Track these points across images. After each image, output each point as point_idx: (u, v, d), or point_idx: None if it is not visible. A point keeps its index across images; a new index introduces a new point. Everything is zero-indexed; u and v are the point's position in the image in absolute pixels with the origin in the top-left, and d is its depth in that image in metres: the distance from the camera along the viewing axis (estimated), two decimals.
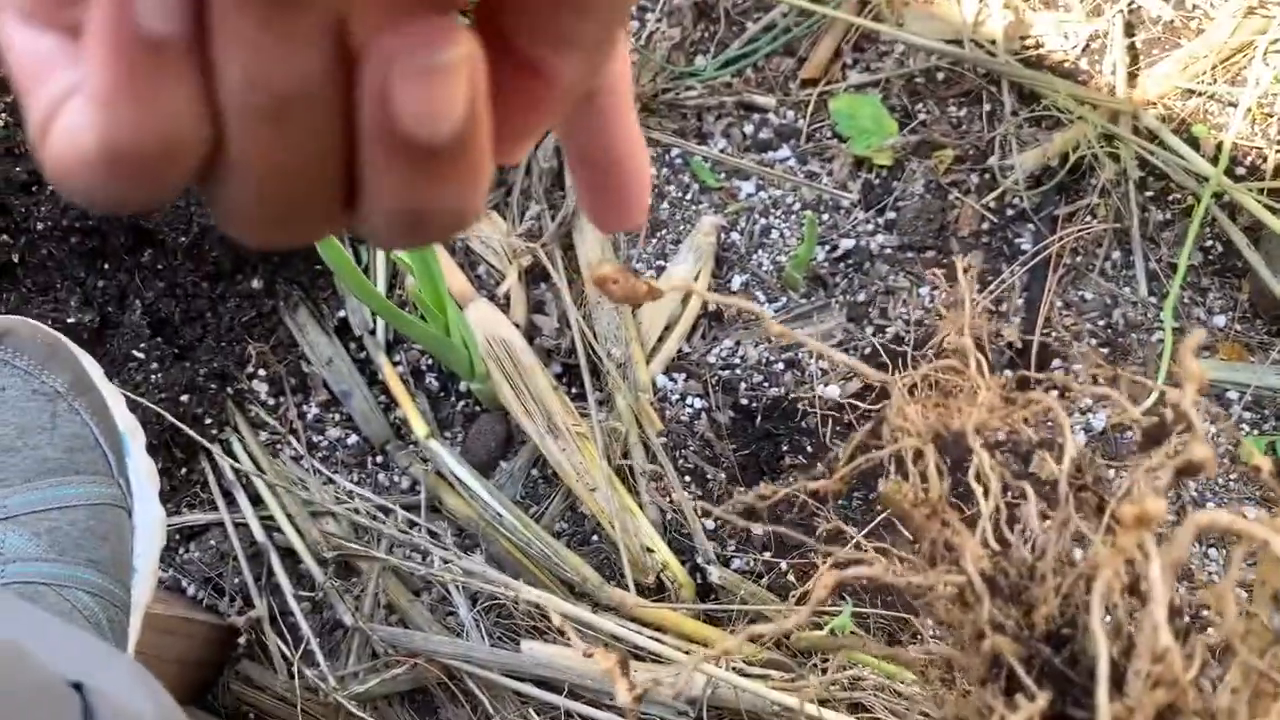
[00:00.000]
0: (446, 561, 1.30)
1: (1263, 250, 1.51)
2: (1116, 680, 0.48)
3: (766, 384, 1.45)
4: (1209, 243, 1.54)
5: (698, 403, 1.44)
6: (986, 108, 1.58)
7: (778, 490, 0.64)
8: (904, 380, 0.61)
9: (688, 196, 1.55)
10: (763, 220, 1.54)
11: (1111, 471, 0.61)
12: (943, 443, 0.57)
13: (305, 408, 1.46)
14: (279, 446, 1.45)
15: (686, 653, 1.29)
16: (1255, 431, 1.47)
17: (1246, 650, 0.45)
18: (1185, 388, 0.49)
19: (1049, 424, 0.64)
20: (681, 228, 1.53)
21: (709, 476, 1.40)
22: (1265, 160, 1.57)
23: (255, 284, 1.45)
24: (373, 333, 1.45)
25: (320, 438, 1.45)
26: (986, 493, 0.55)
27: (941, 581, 0.52)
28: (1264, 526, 0.45)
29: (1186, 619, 0.52)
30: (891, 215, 1.53)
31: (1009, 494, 0.62)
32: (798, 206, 1.54)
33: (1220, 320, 1.51)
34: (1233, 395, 1.48)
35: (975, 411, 0.57)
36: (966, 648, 0.52)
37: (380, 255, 1.45)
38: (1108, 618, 0.49)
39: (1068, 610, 0.51)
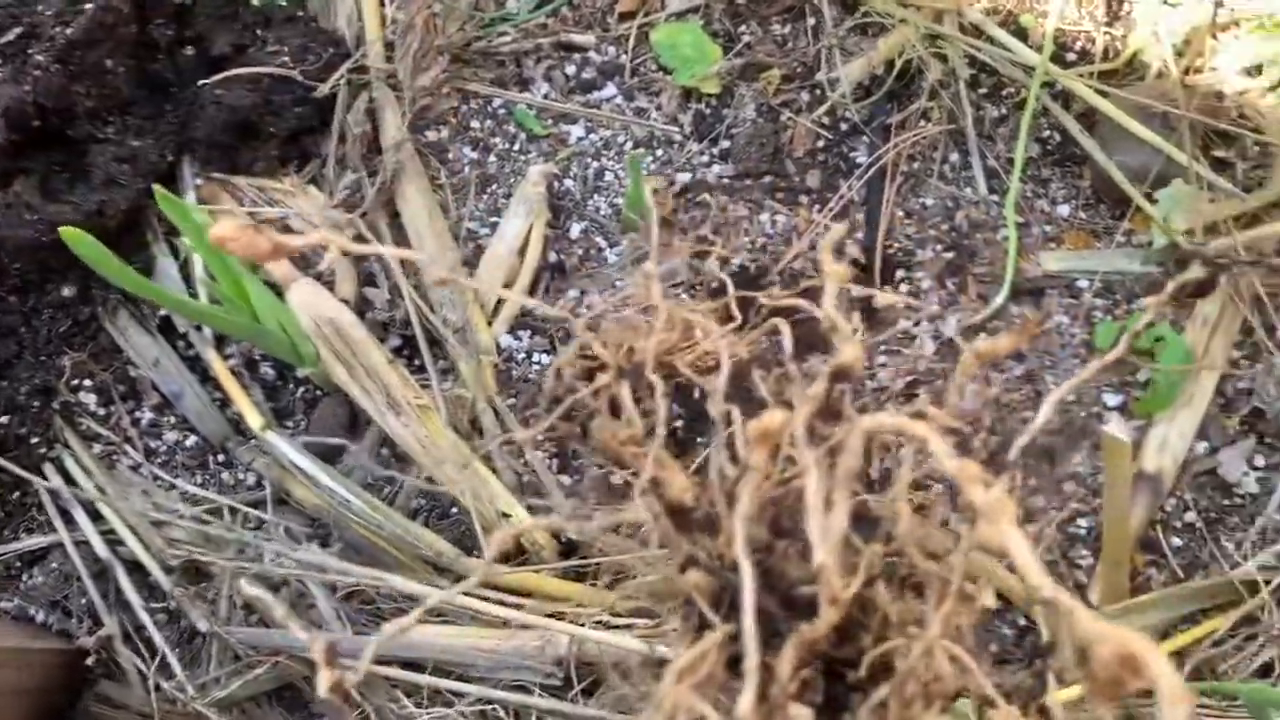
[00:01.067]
0: (280, 556, 1.25)
1: (1098, 136, 1.49)
2: (810, 604, 0.45)
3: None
4: (1045, 133, 1.52)
5: (546, 359, 1.40)
6: (810, 22, 1.54)
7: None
8: (586, 319, 0.58)
9: (515, 147, 1.50)
10: (595, 164, 1.49)
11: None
12: (628, 374, 0.54)
13: (138, 414, 1.40)
14: (115, 457, 1.38)
15: (554, 614, 1.26)
16: (1109, 317, 1.46)
17: (919, 555, 0.43)
18: (825, 288, 0.46)
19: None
20: (512, 180, 1.48)
21: (561, 433, 1.36)
22: (1094, 44, 1.55)
23: (68, 292, 1.38)
24: (199, 328, 1.39)
25: (157, 443, 1.39)
26: (668, 420, 0.52)
27: (622, 520, 0.49)
28: (923, 425, 0.42)
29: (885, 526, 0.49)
30: (725, 144, 1.49)
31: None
32: (630, 145, 1.50)
33: (1064, 210, 1.50)
34: (1083, 284, 1.47)
35: (651, 341, 0.53)
36: (669, 584, 0.49)
37: (195, 248, 1.38)
38: (790, 541, 0.46)
39: (762, 535, 0.47)
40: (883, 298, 1.28)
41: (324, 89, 1.43)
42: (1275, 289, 1.46)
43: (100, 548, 1.32)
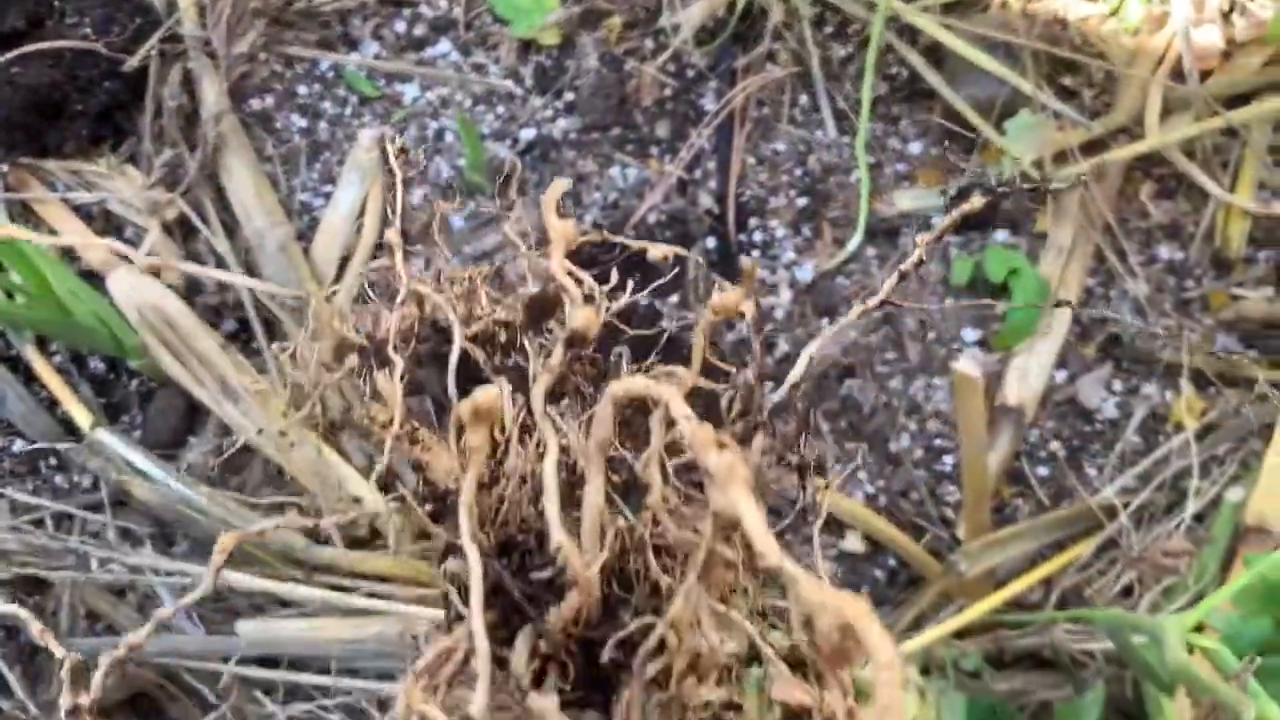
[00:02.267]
0: (111, 563, 1.18)
1: (946, 71, 1.47)
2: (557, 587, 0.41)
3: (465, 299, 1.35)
4: (893, 70, 1.50)
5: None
6: None
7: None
8: (323, 294, 0.53)
9: (347, 111, 1.42)
10: (434, 124, 1.43)
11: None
12: (368, 352, 0.50)
13: None
14: None
15: (417, 600, 1.22)
16: (964, 253, 1.45)
17: (673, 522, 0.39)
18: (553, 250, 0.42)
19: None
20: (346, 147, 1.41)
21: (413, 409, 1.31)
22: None
23: None
24: (16, 326, 1.30)
25: None
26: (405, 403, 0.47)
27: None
28: (666, 388, 0.38)
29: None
30: (569, 97, 1.44)
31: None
32: (469, 104, 1.44)
33: (916, 147, 1.48)
34: (938, 220, 1.46)
35: (395, 315, 0.49)
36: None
37: None
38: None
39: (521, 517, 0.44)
40: (744, 262, 1.26)
41: (134, 61, 1.34)
42: (1125, 216, 1.47)
43: None
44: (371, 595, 1.19)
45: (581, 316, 0.41)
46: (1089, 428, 1.41)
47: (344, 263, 1.35)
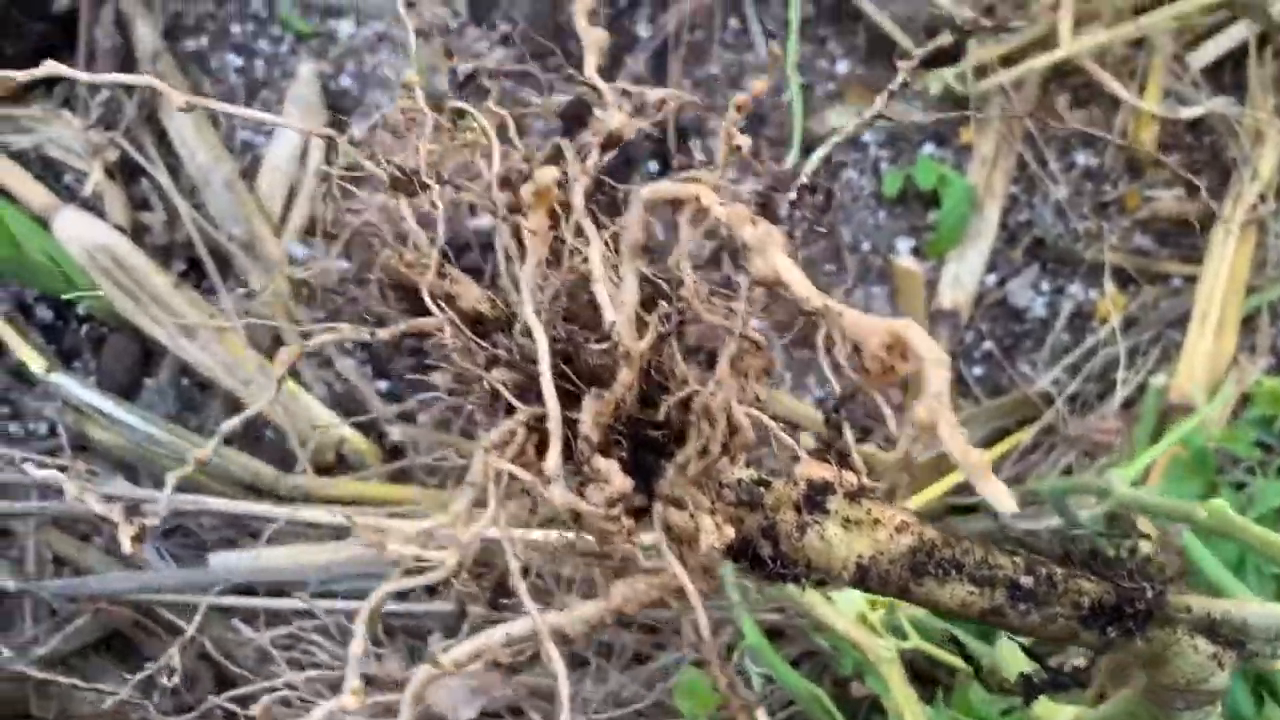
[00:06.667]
0: (83, 494, 1.18)
1: None
2: (612, 375, 0.44)
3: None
4: None
5: (344, 264, 1.35)
6: None
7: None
8: (350, 135, 0.55)
9: (283, 49, 1.42)
10: (372, 58, 1.43)
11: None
12: (404, 185, 0.52)
13: None
14: None
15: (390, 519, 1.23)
16: (894, 166, 1.51)
17: (705, 310, 0.43)
18: (587, 57, 0.45)
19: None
20: (284, 84, 1.40)
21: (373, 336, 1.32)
22: None
23: None
24: None
25: None
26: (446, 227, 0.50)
27: (425, 327, 0.47)
28: (696, 186, 0.42)
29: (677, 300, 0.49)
30: (505, 28, 1.46)
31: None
32: (406, 36, 1.44)
33: (843, 67, 1.53)
34: (867, 137, 1.51)
35: (419, 146, 0.51)
36: (475, 391, 0.48)
37: None
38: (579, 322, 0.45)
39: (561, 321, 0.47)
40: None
41: (64, 1, 1.32)
42: (1042, 124, 1.54)
43: None
44: (346, 519, 1.20)
45: (618, 118, 0.44)
46: (1020, 327, 1.48)
47: (290, 197, 1.35)
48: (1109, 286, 1.48)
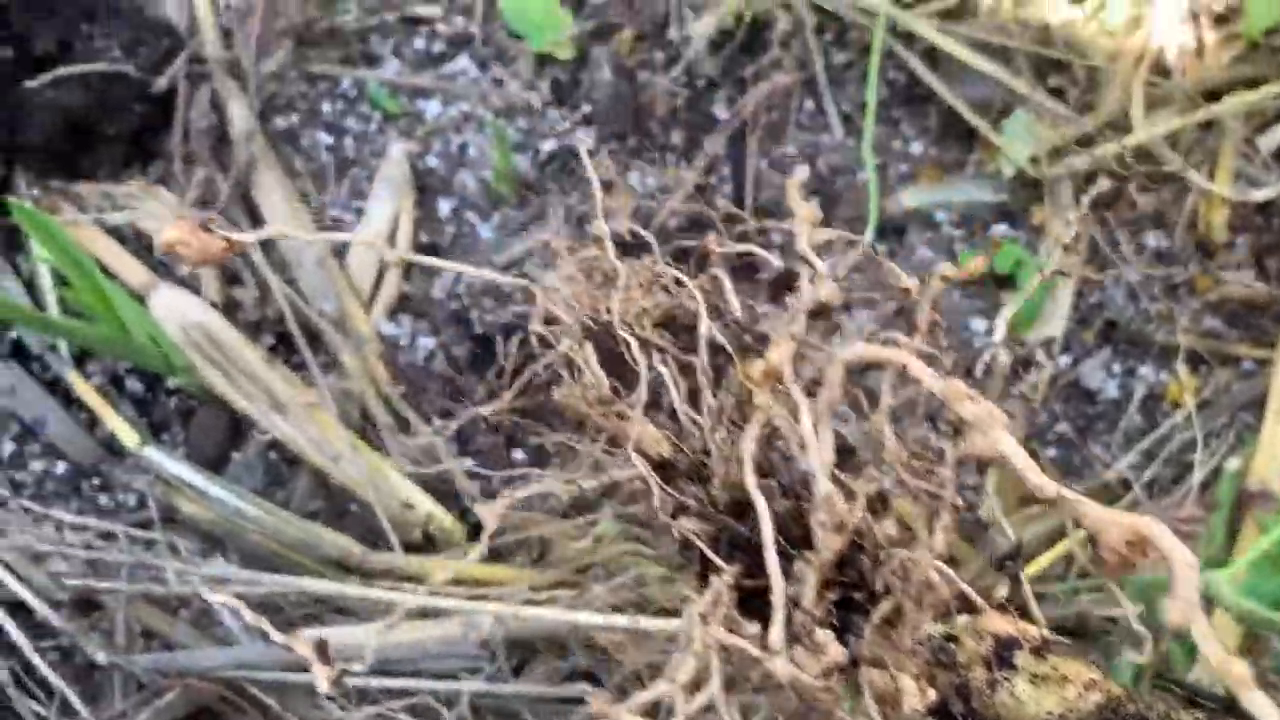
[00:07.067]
0: (184, 573, 1.20)
1: (942, 72, 1.55)
2: (805, 539, 0.45)
3: (499, 305, 1.39)
4: (892, 75, 1.56)
5: (430, 342, 1.37)
6: None
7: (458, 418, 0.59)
8: (546, 286, 0.57)
9: (371, 128, 1.45)
10: (457, 138, 1.46)
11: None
12: (595, 336, 0.54)
13: None
14: None
15: (474, 598, 1.25)
16: (968, 246, 1.52)
17: (909, 475, 0.44)
18: (798, 230, 0.46)
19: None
20: (372, 162, 1.43)
21: (458, 414, 1.34)
22: None
23: None
24: (54, 348, 1.30)
25: (23, 474, 1.31)
26: (650, 376, 0.52)
27: (619, 478, 0.49)
28: (902, 352, 0.43)
29: (862, 455, 0.50)
30: (586, 108, 1.49)
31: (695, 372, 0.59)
32: (490, 117, 1.47)
33: (917, 147, 1.55)
34: (941, 216, 1.53)
35: (616, 299, 0.53)
36: (659, 537, 0.49)
37: (39, 256, 1.28)
38: (782, 488, 0.46)
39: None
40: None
41: (162, 83, 1.35)
42: (1116, 206, 1.55)
43: None
44: (435, 596, 1.21)
45: (827, 290, 0.45)
46: (1093, 409, 1.49)
47: (379, 275, 1.37)
48: (1181, 369, 1.48)
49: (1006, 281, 1.51)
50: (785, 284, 0.52)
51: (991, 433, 0.39)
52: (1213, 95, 1.55)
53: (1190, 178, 1.52)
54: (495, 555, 1.27)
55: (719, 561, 0.45)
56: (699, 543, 0.46)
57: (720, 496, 0.47)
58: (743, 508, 0.48)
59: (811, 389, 0.46)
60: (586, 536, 1.19)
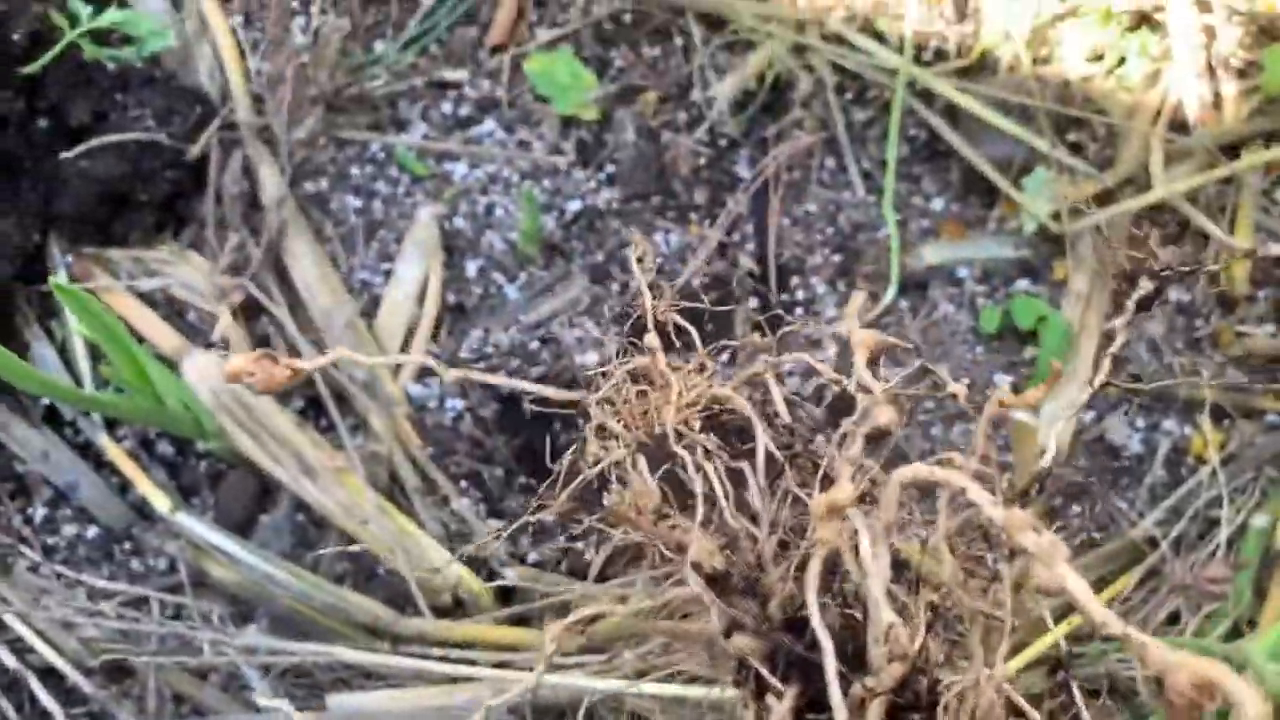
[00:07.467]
0: (217, 643, 1.20)
1: (962, 129, 1.56)
2: (858, 656, 0.46)
3: (526, 366, 1.40)
4: (912, 132, 1.58)
5: (458, 404, 1.38)
6: (679, 42, 1.56)
7: (508, 527, 0.60)
8: (598, 397, 0.58)
9: (400, 190, 1.47)
10: (484, 199, 1.48)
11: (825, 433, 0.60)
12: (649, 448, 0.54)
13: (30, 511, 1.32)
14: (10, 560, 1.30)
15: (501, 664, 1.25)
16: (990, 302, 1.53)
17: (967, 595, 0.45)
18: (856, 355, 0.47)
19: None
20: (400, 224, 1.45)
21: (485, 476, 1.35)
22: (947, 42, 1.62)
23: None
24: (87, 414, 1.32)
25: (55, 539, 1.32)
26: (706, 491, 0.52)
27: (672, 598, 0.49)
28: (960, 473, 0.44)
29: (914, 572, 0.51)
30: (611, 169, 1.50)
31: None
32: (516, 178, 1.49)
33: (938, 204, 1.56)
34: (963, 273, 1.54)
35: (669, 411, 0.54)
36: (715, 654, 0.50)
37: (76, 332, 1.30)
38: (836, 600, 0.47)
39: (800, 593, 0.49)
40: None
41: (195, 150, 1.37)
42: (1137, 260, 1.56)
43: (7, 658, 1.24)
44: (459, 662, 1.22)
45: (886, 415, 0.46)
46: (1117, 464, 1.49)
47: (408, 337, 1.39)
48: (1205, 423, 1.49)
49: (1029, 337, 1.51)
50: (842, 407, 0.53)
51: (1056, 567, 0.39)
52: (1231, 149, 1.57)
53: (1211, 231, 1.53)
54: (520, 620, 1.27)
55: (777, 685, 0.45)
56: (755, 664, 0.46)
57: (776, 613, 0.48)
58: (797, 623, 0.48)
59: (865, 503, 0.47)
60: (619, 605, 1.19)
